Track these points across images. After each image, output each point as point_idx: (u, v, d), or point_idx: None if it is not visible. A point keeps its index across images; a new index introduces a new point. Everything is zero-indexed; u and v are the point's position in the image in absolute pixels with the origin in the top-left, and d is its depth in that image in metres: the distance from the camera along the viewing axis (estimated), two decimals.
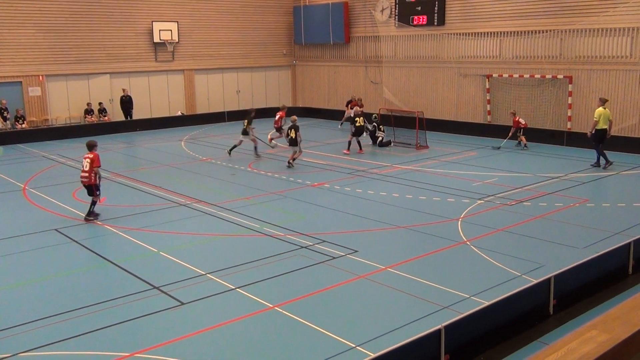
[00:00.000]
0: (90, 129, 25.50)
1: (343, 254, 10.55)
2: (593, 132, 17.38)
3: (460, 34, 24.80)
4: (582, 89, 21.49)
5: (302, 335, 7.71)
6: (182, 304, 8.62)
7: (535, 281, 8.35)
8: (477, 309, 7.28)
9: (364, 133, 21.33)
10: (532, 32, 22.42)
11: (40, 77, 25.45)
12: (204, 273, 9.77)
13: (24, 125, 24.88)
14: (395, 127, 23.05)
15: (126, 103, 27.21)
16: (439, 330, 6.60)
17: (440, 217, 12.76)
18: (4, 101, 24.39)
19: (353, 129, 20.69)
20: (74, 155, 20.72)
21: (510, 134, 21.04)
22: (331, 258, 10.37)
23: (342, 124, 27.07)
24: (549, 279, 8.09)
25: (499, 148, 20.99)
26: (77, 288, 9.34)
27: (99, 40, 26.56)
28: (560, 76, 21.82)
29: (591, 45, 20.98)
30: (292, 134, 18.22)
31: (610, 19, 20.29)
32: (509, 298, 7.59)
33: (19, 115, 24.77)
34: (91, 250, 11.11)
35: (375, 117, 22.83)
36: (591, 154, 18.36)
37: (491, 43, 23.85)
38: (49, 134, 25.00)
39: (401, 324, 7.83)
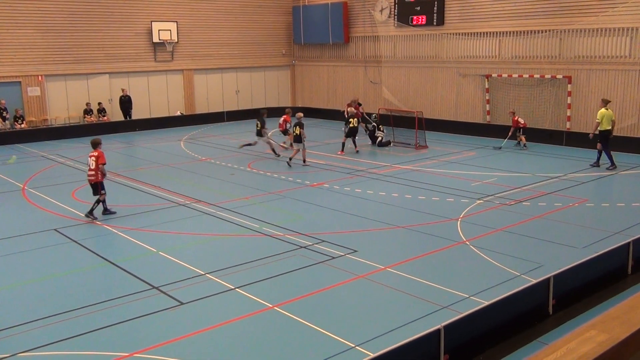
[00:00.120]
0: (90, 129, 25.47)
1: (342, 253, 10.55)
2: (596, 133, 17.27)
3: (459, 34, 24.80)
4: (581, 89, 21.50)
5: (301, 335, 7.71)
6: (182, 303, 8.62)
7: (534, 281, 8.35)
8: (477, 308, 7.28)
9: (365, 132, 21.29)
10: (531, 32, 22.42)
11: (40, 77, 25.44)
12: (203, 273, 9.77)
13: (23, 125, 24.89)
14: (394, 127, 23.06)
15: (125, 103, 27.21)
16: (438, 330, 6.61)
17: (439, 217, 12.77)
18: (3, 101, 24.39)
19: (346, 130, 20.82)
20: (73, 155, 20.73)
21: (509, 134, 21.05)
22: (330, 258, 10.38)
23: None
24: (548, 279, 8.09)
25: (500, 148, 20.98)
26: (77, 288, 9.34)
27: (98, 40, 26.56)
28: (559, 76, 21.83)
29: (590, 45, 20.98)
30: (297, 131, 18.25)
31: (610, 19, 20.30)
32: (508, 298, 7.60)
33: (18, 115, 24.78)
34: (90, 250, 11.11)
35: (375, 117, 22.85)
36: (591, 154, 18.36)
37: (490, 43, 23.85)
38: (48, 134, 25.00)
39: (400, 324, 7.83)
